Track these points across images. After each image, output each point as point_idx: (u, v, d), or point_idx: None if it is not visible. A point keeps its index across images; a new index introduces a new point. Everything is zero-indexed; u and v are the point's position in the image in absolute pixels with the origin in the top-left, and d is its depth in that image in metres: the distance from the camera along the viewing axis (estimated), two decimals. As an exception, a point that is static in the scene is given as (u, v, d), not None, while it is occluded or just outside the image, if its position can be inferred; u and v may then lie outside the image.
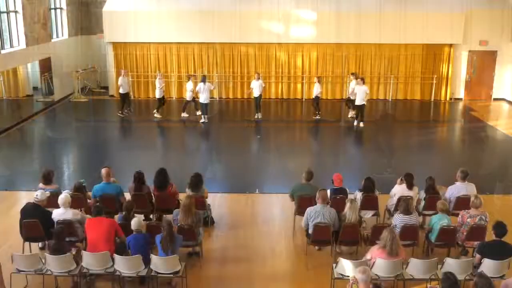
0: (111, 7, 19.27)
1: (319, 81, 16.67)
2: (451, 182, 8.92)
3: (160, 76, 17.08)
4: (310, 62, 19.65)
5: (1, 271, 6.39)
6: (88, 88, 21.15)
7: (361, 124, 15.88)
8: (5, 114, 18.38)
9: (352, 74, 16.96)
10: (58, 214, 7.68)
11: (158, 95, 16.92)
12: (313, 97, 16.91)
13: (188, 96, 16.84)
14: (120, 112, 17.09)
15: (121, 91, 16.91)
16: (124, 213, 7.81)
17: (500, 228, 6.77)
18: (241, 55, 19.68)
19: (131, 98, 18.25)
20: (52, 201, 8.19)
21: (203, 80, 16.14)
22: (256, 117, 16.95)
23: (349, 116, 16.88)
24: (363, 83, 15.89)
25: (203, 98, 16.07)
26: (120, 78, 16.86)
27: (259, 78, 16.85)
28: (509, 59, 19.47)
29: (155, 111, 17.00)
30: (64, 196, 7.72)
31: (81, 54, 21.43)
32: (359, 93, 15.69)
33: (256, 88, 16.73)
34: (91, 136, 15.24)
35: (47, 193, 7.88)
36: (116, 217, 8.27)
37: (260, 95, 16.89)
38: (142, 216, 8.50)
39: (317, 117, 16.75)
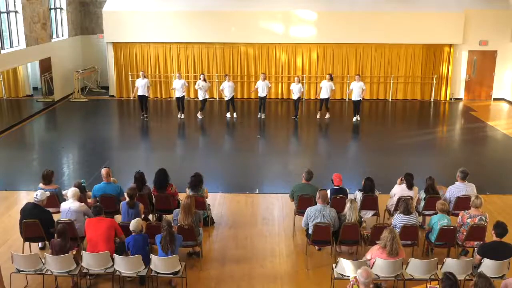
0: (111, 7, 19.27)
1: (298, 81, 16.67)
2: (451, 182, 8.92)
3: (179, 77, 16.66)
4: (310, 62, 19.66)
5: (0, 271, 6.39)
6: (88, 88, 21.17)
7: (358, 118, 16.49)
8: (5, 114, 18.38)
9: (329, 74, 17.01)
10: (65, 204, 7.84)
11: (177, 94, 16.60)
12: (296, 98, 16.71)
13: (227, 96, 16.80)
14: (142, 115, 16.81)
15: (138, 93, 16.57)
16: (127, 200, 7.85)
17: (500, 228, 6.77)
18: (241, 55, 19.69)
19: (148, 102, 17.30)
20: (52, 201, 8.21)
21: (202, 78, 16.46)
22: (258, 117, 17.00)
23: (318, 117, 16.93)
24: (359, 79, 16.38)
25: (200, 95, 16.51)
26: (138, 80, 16.61)
27: (264, 79, 16.84)
28: (509, 59, 19.49)
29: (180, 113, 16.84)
30: (73, 189, 7.95)
31: (81, 54, 21.46)
32: (355, 89, 16.21)
33: (260, 88, 16.75)
34: (91, 136, 15.22)
35: (47, 193, 7.90)
36: (117, 218, 8.28)
37: (265, 96, 16.92)
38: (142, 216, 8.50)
39: (296, 118, 16.80)
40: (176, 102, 16.89)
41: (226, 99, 16.82)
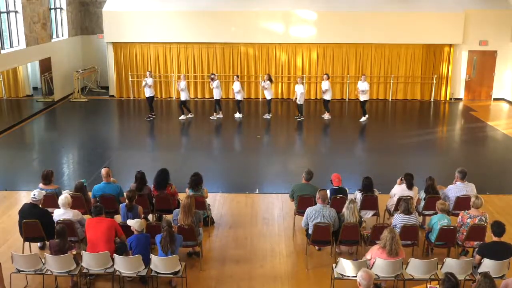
0: (111, 7, 19.27)
1: (301, 82, 16.64)
2: (451, 182, 8.91)
3: (183, 79, 16.54)
4: (310, 62, 19.66)
5: (1, 271, 6.39)
6: (88, 88, 21.17)
7: (365, 118, 16.64)
8: (5, 114, 18.38)
9: (325, 74, 17.06)
10: (58, 214, 7.70)
11: (183, 97, 16.50)
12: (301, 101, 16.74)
13: (239, 96, 16.80)
14: (152, 115, 16.75)
15: (148, 94, 16.52)
16: (126, 202, 7.85)
17: (498, 227, 6.81)
18: (241, 55, 19.69)
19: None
20: (51, 201, 8.20)
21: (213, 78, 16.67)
22: (265, 116, 17.05)
23: (326, 117, 16.93)
24: (364, 79, 16.58)
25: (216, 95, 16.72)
26: (147, 80, 16.46)
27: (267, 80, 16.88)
28: (509, 59, 19.49)
29: (187, 114, 16.79)
30: (64, 197, 7.70)
31: (81, 54, 21.46)
32: (363, 89, 16.37)
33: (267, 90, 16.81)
34: (91, 136, 15.23)
35: (43, 192, 7.87)
36: (117, 218, 8.28)
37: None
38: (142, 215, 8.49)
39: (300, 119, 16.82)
40: (182, 104, 16.74)
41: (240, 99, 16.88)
